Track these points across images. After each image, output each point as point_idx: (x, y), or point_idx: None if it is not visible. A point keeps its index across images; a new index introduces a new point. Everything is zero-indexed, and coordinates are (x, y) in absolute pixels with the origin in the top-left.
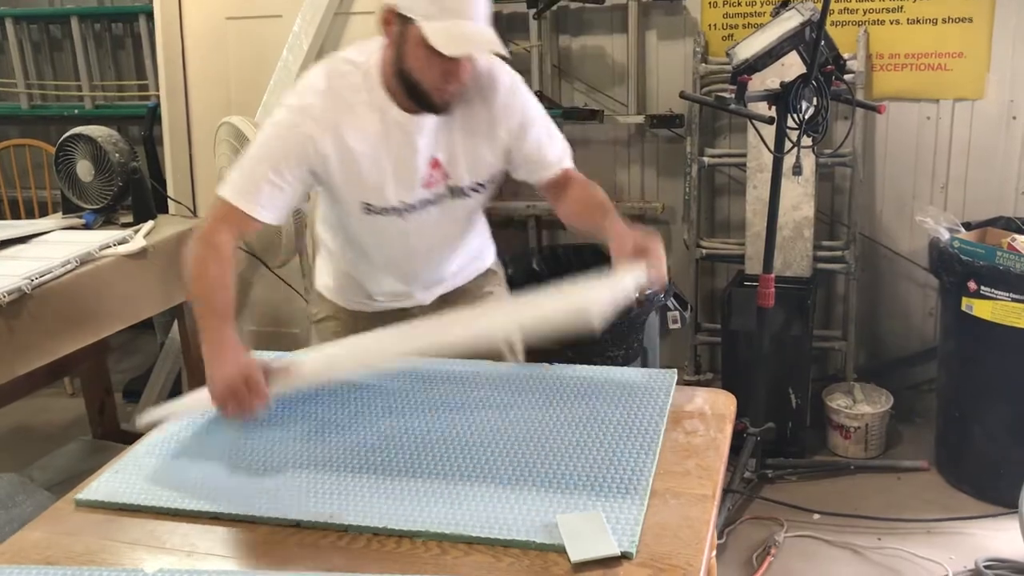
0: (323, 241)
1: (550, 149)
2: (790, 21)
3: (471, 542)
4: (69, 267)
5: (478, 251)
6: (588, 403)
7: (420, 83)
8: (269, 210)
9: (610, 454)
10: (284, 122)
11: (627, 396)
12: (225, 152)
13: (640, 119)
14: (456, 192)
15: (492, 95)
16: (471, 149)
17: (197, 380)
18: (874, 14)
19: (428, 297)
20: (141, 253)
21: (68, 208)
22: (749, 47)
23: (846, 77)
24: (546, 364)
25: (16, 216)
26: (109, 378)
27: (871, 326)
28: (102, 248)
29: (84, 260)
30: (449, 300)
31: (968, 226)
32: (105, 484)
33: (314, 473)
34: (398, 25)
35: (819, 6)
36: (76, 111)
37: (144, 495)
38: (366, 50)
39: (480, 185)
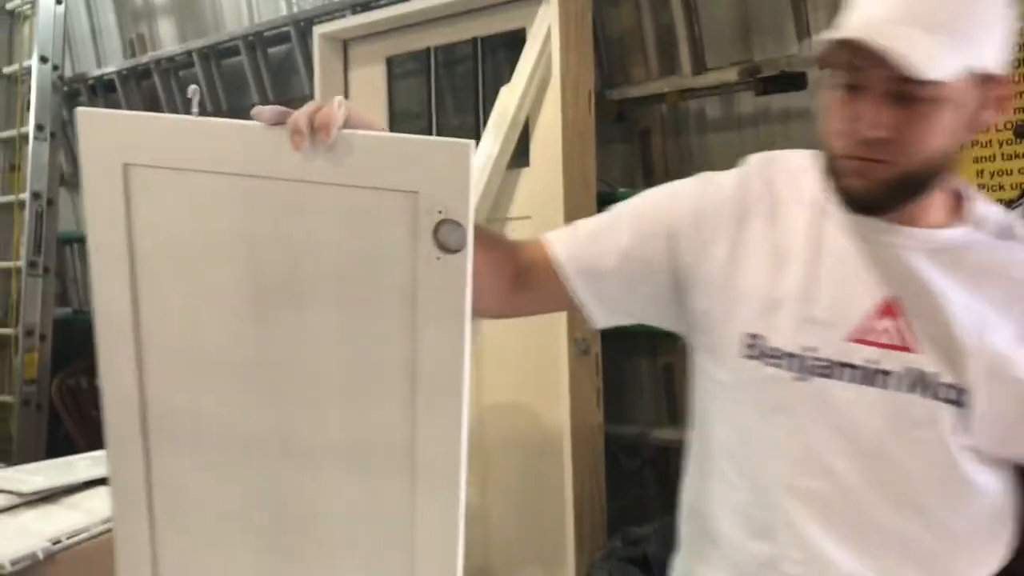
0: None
1: None
2: None
3: None
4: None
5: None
6: None
7: (827, 147)
8: (584, 275)
9: None
10: (684, 185)
11: None
12: None
13: None
14: (920, 380)
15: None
16: (952, 322)
17: None
18: None
19: None
20: None
21: None
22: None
23: None
24: None
25: None
26: None
27: None
28: None
29: None
30: None
31: None
32: None
33: None
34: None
35: None
36: None
37: None
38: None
39: (959, 392)
